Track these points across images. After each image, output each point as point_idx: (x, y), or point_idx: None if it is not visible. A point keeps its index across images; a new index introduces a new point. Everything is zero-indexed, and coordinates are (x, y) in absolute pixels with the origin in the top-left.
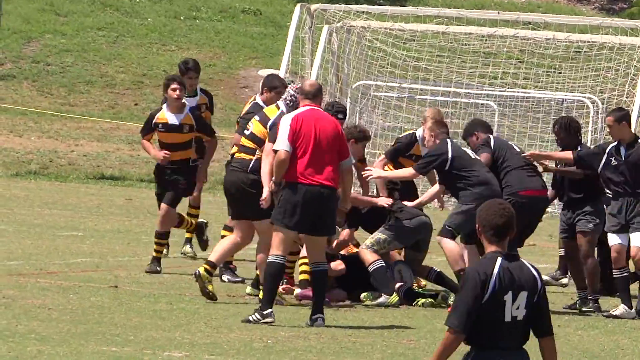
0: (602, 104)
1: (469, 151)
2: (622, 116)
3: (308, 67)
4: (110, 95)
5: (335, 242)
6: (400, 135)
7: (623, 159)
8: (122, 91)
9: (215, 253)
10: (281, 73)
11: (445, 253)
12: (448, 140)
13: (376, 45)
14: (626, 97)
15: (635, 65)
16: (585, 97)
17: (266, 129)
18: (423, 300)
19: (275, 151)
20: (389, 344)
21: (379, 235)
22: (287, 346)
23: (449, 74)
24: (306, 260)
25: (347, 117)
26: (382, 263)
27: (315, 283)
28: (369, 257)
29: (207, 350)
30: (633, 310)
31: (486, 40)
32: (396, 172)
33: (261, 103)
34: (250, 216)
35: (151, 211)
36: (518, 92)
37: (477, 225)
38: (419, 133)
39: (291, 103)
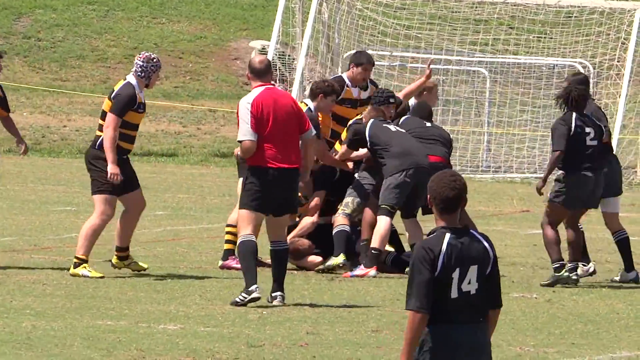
0: (594, 68)
1: (392, 126)
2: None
3: (299, 37)
4: (102, 69)
5: (309, 207)
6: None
7: None
8: (113, 65)
9: (118, 238)
10: (272, 44)
11: (376, 229)
12: (372, 120)
13: (366, 14)
14: (617, 62)
15: (625, 30)
16: (576, 62)
17: (110, 100)
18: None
19: (240, 142)
20: (383, 312)
21: (346, 199)
22: (282, 317)
23: (440, 41)
24: (231, 229)
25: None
26: (344, 227)
27: (277, 262)
28: (337, 220)
29: (202, 322)
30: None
31: (476, 8)
32: (340, 152)
33: (346, 79)
34: (92, 190)
35: (144, 184)
36: (509, 58)
37: (427, 197)
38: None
39: (142, 74)
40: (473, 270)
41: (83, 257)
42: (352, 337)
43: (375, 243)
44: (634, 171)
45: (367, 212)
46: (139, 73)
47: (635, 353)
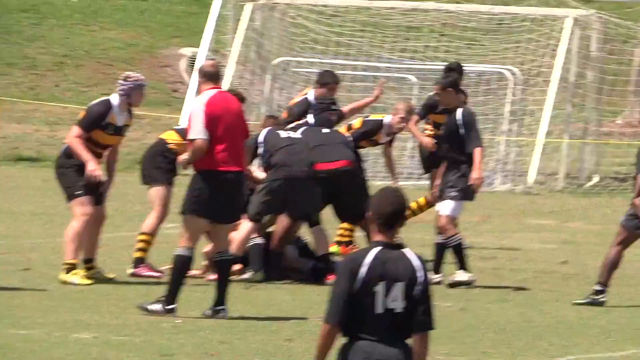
0: (522, 74)
1: (284, 133)
2: (446, 83)
3: (229, 44)
4: (31, 76)
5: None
6: (369, 119)
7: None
8: (43, 72)
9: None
10: (203, 51)
11: (237, 234)
12: (264, 130)
13: (299, 21)
14: (545, 68)
15: (555, 37)
16: (505, 68)
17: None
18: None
19: (192, 140)
20: (297, 322)
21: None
22: (195, 325)
23: (370, 48)
24: (143, 237)
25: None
26: (259, 241)
27: (221, 273)
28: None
29: (115, 331)
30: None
31: (409, 15)
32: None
33: (311, 98)
34: (66, 199)
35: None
36: (438, 65)
37: (368, 212)
38: (386, 121)
39: (122, 92)
40: (398, 288)
41: (72, 261)
42: (265, 346)
43: (233, 248)
44: (556, 178)
45: (279, 224)
46: (120, 91)
47: None
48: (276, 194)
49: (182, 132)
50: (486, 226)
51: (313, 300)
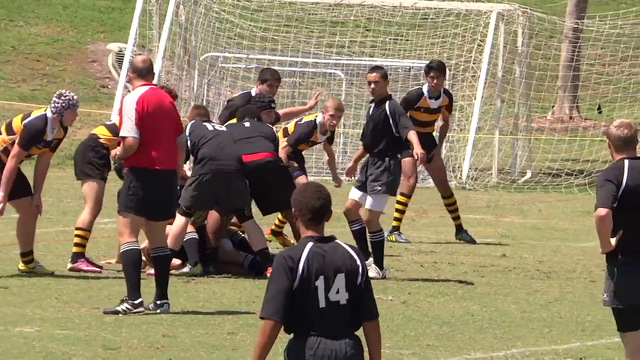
0: (450, 70)
1: (211, 126)
2: (385, 73)
3: (156, 40)
4: None
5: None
6: (302, 122)
7: (370, 115)
8: None
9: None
10: (129, 47)
11: (170, 229)
12: (190, 123)
13: (224, 16)
14: (473, 63)
15: (481, 31)
16: None
17: (21, 122)
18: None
19: (124, 138)
20: (239, 315)
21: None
22: (139, 319)
23: (297, 43)
24: (79, 232)
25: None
26: (194, 235)
27: (159, 268)
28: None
29: (58, 325)
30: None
31: (333, 10)
32: None
33: (254, 94)
34: None
35: None
36: (365, 60)
37: (293, 210)
38: (319, 120)
39: (54, 110)
40: (340, 279)
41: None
42: (208, 339)
43: (168, 243)
44: (489, 173)
45: (211, 220)
46: (52, 109)
47: (489, 354)
48: (206, 188)
49: (113, 128)
50: (423, 221)
51: (253, 294)
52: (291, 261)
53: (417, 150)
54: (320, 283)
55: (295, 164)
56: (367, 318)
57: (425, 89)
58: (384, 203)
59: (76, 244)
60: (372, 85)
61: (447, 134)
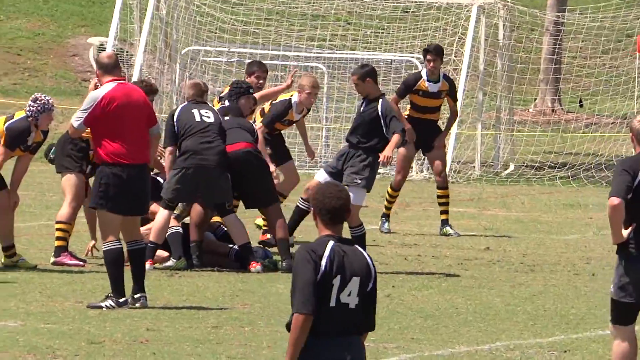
0: None
1: (198, 115)
2: (365, 73)
3: (137, 34)
4: None
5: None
6: (277, 101)
7: (360, 111)
8: None
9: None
10: (110, 41)
11: (153, 223)
12: (182, 106)
13: (204, 10)
14: (455, 57)
15: (462, 25)
16: (414, 57)
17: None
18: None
19: (72, 124)
20: (223, 309)
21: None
22: (122, 313)
23: (278, 37)
24: (61, 226)
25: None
26: (177, 229)
27: (135, 262)
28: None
29: (42, 319)
30: None
31: (314, 3)
32: None
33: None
34: None
35: None
36: (347, 53)
37: (312, 209)
38: (294, 99)
39: (29, 114)
40: (355, 283)
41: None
42: (192, 333)
43: (151, 236)
44: (472, 166)
45: (194, 213)
46: (27, 112)
47: (474, 348)
48: (187, 182)
49: None
50: (406, 214)
51: (237, 288)
52: (315, 255)
53: (386, 152)
54: (336, 282)
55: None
56: (366, 330)
57: (424, 72)
58: (363, 197)
59: (58, 238)
60: (355, 87)
61: (454, 124)
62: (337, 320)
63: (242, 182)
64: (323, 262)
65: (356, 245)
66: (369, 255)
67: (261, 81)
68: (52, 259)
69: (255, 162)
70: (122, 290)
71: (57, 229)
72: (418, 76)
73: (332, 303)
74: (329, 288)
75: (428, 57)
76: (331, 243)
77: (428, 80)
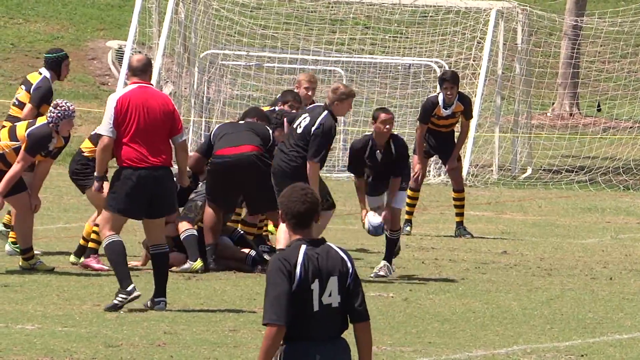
0: (450, 67)
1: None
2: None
3: (155, 37)
4: None
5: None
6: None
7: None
8: None
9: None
10: (128, 44)
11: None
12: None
13: (223, 14)
14: (473, 61)
15: (481, 29)
16: (432, 61)
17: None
18: None
19: (99, 135)
20: (240, 312)
21: (189, 203)
22: (140, 316)
23: (296, 41)
24: (97, 229)
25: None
26: (192, 232)
27: (157, 266)
28: (182, 226)
29: (59, 322)
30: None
31: (332, 7)
32: None
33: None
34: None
35: None
36: (365, 58)
37: (280, 212)
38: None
39: (50, 120)
40: (333, 282)
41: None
42: (210, 336)
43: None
44: (490, 170)
45: (207, 216)
46: (49, 119)
47: (490, 352)
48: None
49: (95, 138)
50: (423, 217)
51: (254, 291)
52: (288, 264)
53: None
54: (315, 286)
55: None
56: (358, 319)
57: (440, 98)
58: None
59: (93, 240)
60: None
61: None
62: (322, 323)
63: (247, 186)
64: (297, 271)
65: (328, 243)
66: (342, 250)
67: (293, 111)
68: (74, 259)
69: (260, 166)
70: (128, 279)
71: (94, 232)
72: (435, 101)
73: (316, 307)
74: (309, 294)
75: (445, 85)
76: (303, 248)
77: (443, 107)
